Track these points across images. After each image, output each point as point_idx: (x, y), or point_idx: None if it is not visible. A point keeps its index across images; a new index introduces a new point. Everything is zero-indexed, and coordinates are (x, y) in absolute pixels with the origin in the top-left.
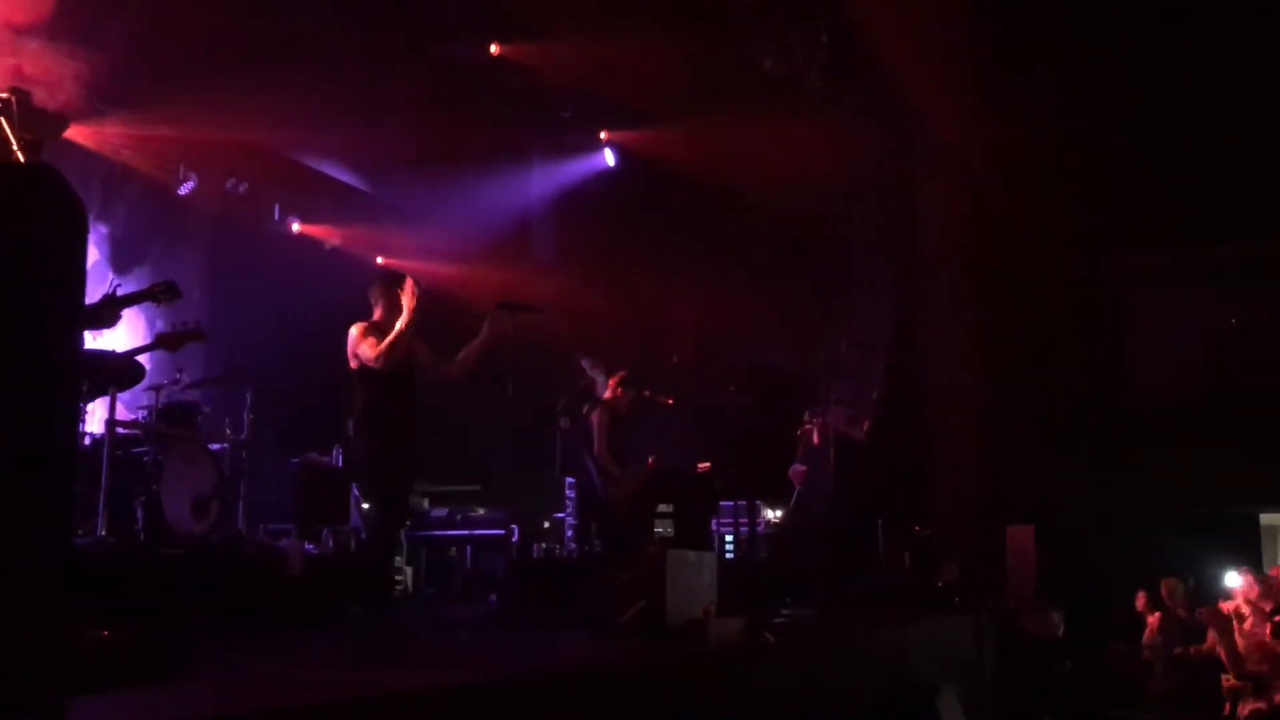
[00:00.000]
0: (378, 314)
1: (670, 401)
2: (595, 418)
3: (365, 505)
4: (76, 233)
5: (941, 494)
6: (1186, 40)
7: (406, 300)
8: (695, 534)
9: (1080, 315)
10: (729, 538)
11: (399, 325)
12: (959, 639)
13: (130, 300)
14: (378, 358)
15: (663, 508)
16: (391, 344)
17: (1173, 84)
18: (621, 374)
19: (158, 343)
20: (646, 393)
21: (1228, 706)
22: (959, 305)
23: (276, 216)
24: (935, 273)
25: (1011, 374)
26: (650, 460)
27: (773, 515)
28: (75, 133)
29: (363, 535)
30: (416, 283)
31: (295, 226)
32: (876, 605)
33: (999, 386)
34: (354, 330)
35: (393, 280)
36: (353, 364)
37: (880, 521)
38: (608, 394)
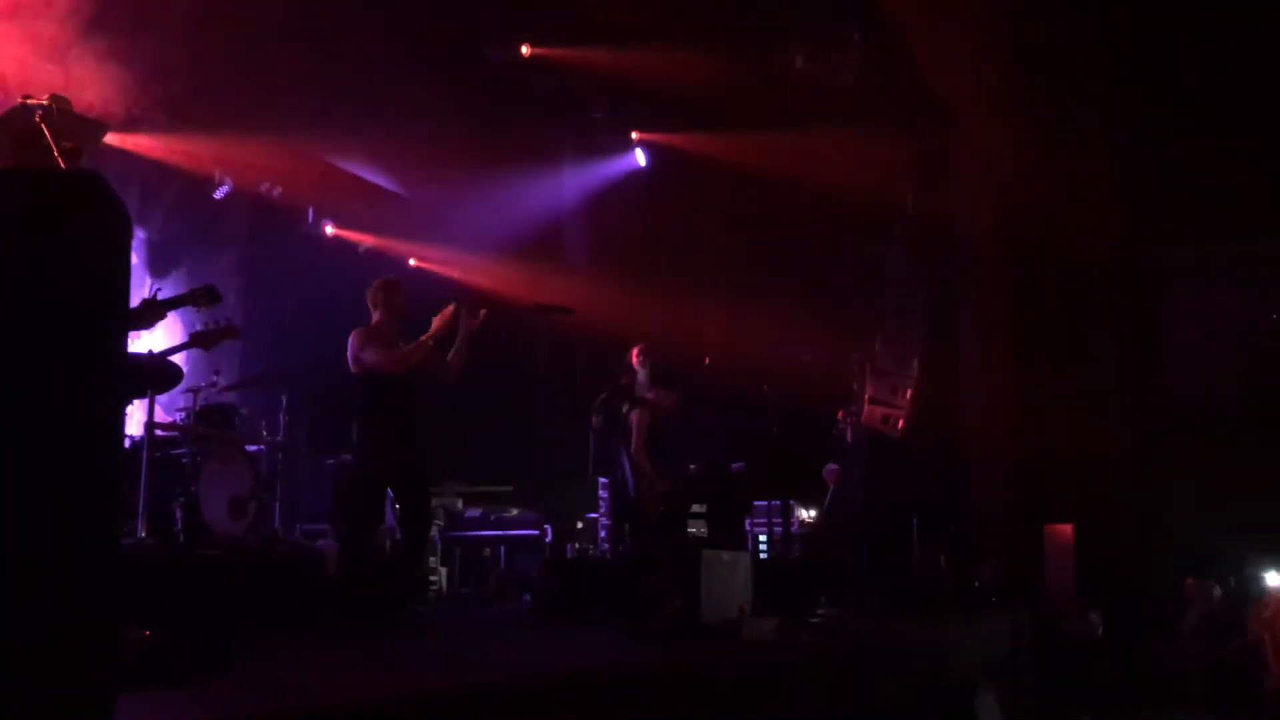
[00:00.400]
0: (376, 318)
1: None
2: (636, 416)
3: (397, 506)
4: (121, 237)
5: (977, 493)
6: (1217, 36)
7: (438, 320)
8: (729, 534)
9: (1116, 311)
10: (763, 538)
11: (423, 338)
12: (996, 639)
13: (171, 304)
14: (395, 361)
15: (697, 508)
16: (408, 354)
17: (1207, 80)
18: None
19: (192, 341)
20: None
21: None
22: (993, 302)
23: (310, 220)
24: (969, 270)
25: (1047, 371)
26: (692, 468)
27: (807, 515)
28: (112, 139)
29: (398, 536)
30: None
31: (329, 229)
32: (912, 605)
33: (1034, 384)
34: (354, 336)
35: (389, 286)
36: (354, 368)
37: (915, 521)
38: (651, 394)
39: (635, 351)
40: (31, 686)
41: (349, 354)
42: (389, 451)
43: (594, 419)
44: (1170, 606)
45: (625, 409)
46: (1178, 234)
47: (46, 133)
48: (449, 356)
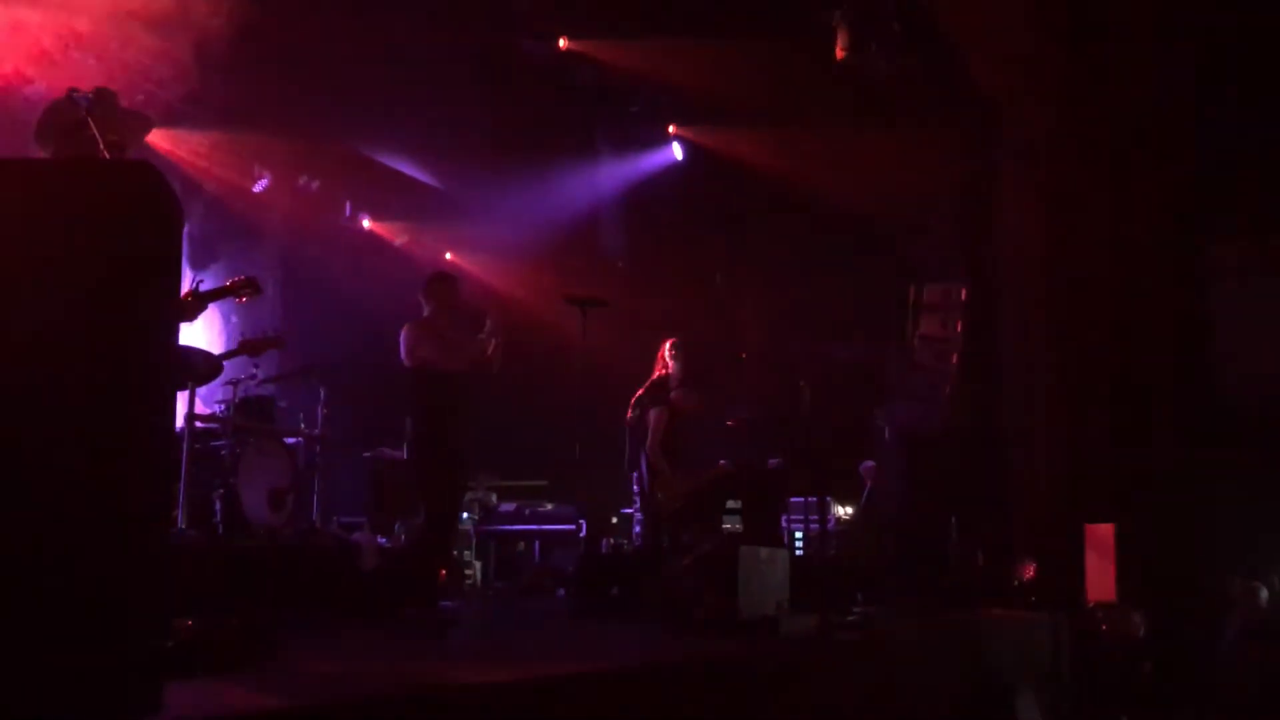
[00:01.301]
0: (427, 312)
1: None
2: (655, 415)
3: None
4: (175, 228)
5: (1018, 490)
6: (1261, 30)
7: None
8: (766, 530)
9: (1163, 307)
10: (799, 534)
11: (483, 335)
12: (1036, 639)
13: (213, 296)
14: (450, 356)
15: (732, 504)
16: (451, 349)
17: (1257, 73)
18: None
19: (241, 349)
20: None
21: None
22: (1036, 297)
23: (347, 213)
24: (1011, 265)
25: (1091, 367)
26: (721, 463)
27: (844, 512)
28: (154, 137)
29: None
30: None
31: (365, 223)
32: (950, 604)
33: (1076, 381)
34: (407, 330)
35: (443, 280)
36: (408, 363)
37: (953, 518)
38: (675, 394)
39: (667, 345)
40: (86, 676)
41: (402, 348)
42: (442, 445)
43: (629, 414)
44: (1214, 608)
45: (649, 405)
46: (1229, 227)
47: (92, 125)
48: (488, 351)
